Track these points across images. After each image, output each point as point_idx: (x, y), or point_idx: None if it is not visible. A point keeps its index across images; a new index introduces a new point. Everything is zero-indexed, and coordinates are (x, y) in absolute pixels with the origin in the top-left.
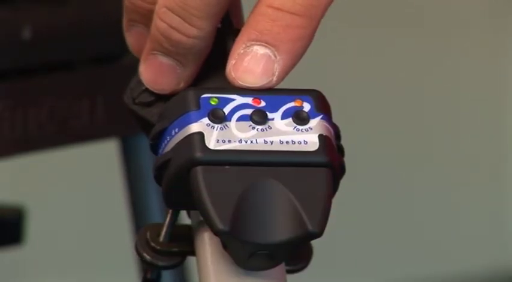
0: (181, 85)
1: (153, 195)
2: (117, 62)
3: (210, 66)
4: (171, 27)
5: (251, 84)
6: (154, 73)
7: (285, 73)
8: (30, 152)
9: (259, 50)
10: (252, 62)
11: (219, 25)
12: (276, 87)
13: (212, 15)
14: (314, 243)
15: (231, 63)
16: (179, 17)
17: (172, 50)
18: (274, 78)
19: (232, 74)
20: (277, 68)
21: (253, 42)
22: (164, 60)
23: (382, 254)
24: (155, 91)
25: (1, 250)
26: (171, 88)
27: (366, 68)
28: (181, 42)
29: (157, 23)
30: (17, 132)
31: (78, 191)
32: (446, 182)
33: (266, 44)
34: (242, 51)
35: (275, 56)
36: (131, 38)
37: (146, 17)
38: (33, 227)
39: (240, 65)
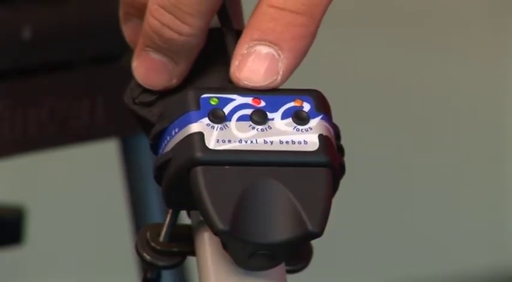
0: (174, 81)
1: (153, 195)
2: (117, 62)
3: (210, 66)
4: (163, 24)
5: (256, 84)
6: (147, 69)
7: (289, 72)
8: (30, 152)
9: (263, 49)
10: (256, 61)
11: (219, 25)
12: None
13: (204, 13)
14: (314, 243)
15: (235, 64)
16: (171, 14)
17: (164, 47)
18: (279, 78)
19: (237, 74)
20: (281, 67)
21: (256, 42)
22: (156, 56)
23: (382, 254)
24: (147, 87)
25: (1, 250)
26: (163, 84)
27: (365, 68)
28: (173, 39)
29: (149, 20)
30: (17, 132)
31: (78, 191)
32: (446, 182)
33: (269, 43)
34: (245, 51)
35: (279, 55)
36: (127, 31)
37: (142, 11)
38: (33, 227)
39: (244, 66)
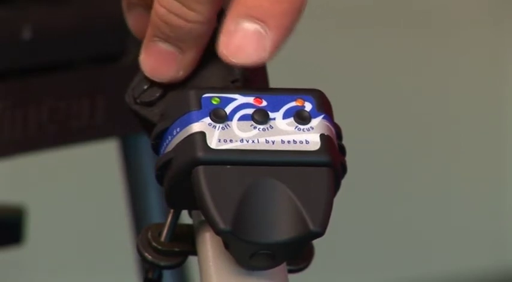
0: (181, 73)
1: (153, 195)
2: (117, 62)
3: (211, 66)
4: (170, 12)
5: (244, 61)
6: (154, 60)
7: (276, 48)
8: (30, 152)
9: (250, 26)
10: (243, 38)
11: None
12: (277, 87)
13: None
14: (314, 243)
15: (223, 41)
16: (178, 1)
17: (172, 36)
18: (267, 54)
19: (224, 51)
20: (268, 44)
21: (242, 19)
22: (164, 46)
23: (382, 254)
24: (154, 79)
25: (1, 250)
26: (171, 76)
27: (366, 68)
28: (181, 27)
29: (157, 9)
30: (17, 132)
31: (78, 191)
32: (446, 182)
33: (256, 20)
34: (233, 28)
35: (266, 32)
36: (131, 19)
37: (144, 1)
38: (33, 227)
39: (231, 43)
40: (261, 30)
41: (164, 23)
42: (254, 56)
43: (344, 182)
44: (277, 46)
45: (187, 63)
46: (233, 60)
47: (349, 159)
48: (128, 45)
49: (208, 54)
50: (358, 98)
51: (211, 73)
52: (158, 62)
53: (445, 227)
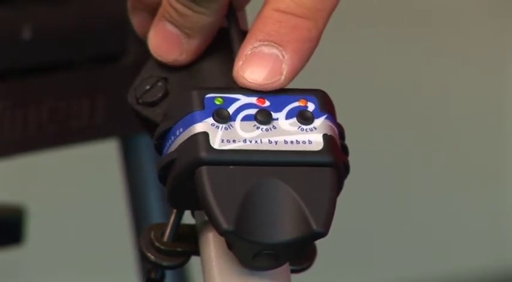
0: (183, 56)
1: (153, 195)
2: (117, 62)
3: (216, 66)
4: (179, 1)
5: (260, 84)
6: (161, 40)
7: (293, 73)
8: (30, 152)
9: (267, 50)
10: (259, 61)
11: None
12: None
13: None
14: (316, 242)
15: (239, 64)
16: None
17: (179, 21)
18: (283, 78)
19: (241, 74)
20: (285, 68)
21: (260, 43)
22: (171, 28)
23: (382, 254)
24: (158, 58)
25: (1, 250)
26: (173, 58)
27: (367, 68)
28: (188, 15)
29: None
30: (17, 132)
31: (78, 191)
32: (446, 182)
33: (274, 44)
34: (250, 52)
35: (283, 56)
36: (135, 21)
37: (148, 7)
38: (33, 227)
39: (247, 66)
40: (278, 54)
41: (172, 8)
42: (270, 79)
43: (346, 181)
44: (294, 71)
45: (191, 48)
46: (249, 82)
47: (351, 159)
48: (128, 45)
49: (213, 54)
50: (360, 98)
51: (215, 73)
52: (164, 41)
53: (445, 227)
